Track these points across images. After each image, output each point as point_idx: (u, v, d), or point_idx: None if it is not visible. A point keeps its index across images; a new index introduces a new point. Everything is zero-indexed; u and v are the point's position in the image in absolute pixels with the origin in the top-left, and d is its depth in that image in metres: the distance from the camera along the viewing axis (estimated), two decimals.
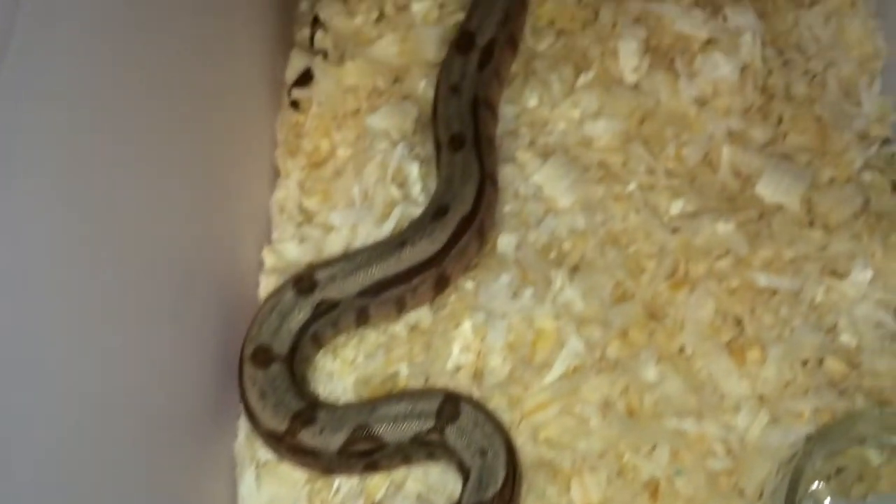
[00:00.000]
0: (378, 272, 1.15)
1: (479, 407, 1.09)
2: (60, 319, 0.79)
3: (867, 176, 1.29)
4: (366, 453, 1.07)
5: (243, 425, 1.17)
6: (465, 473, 1.05)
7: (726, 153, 1.29)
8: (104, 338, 0.88)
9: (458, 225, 1.17)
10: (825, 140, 1.30)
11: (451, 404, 1.07)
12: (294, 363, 1.12)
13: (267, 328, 1.12)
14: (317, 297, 1.14)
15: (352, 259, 1.17)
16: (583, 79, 1.36)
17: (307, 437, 1.06)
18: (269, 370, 1.10)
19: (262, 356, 1.10)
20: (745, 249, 1.20)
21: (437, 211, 1.18)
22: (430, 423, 1.06)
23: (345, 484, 1.12)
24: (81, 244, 0.83)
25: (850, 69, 1.38)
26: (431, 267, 1.16)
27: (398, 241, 1.17)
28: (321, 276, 1.15)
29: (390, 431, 1.06)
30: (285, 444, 1.08)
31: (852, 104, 1.36)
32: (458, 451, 1.05)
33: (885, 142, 1.34)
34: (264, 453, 1.15)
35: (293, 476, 1.13)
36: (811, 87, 1.35)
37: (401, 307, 1.18)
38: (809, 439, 1.07)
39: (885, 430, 1.05)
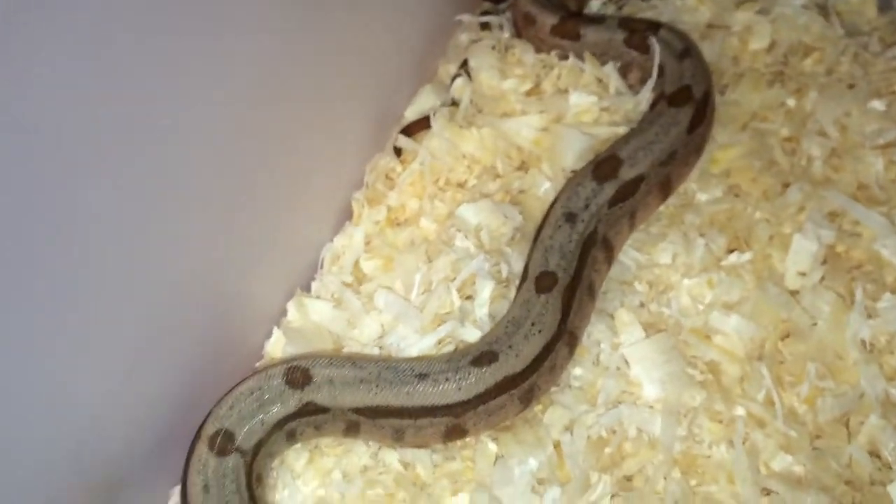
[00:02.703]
0: (382, 397, 1.01)
1: None
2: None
3: None
4: None
5: (177, 494, 1.06)
6: None
7: (871, 426, 1.06)
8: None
9: (499, 382, 1.01)
10: None
11: None
12: (255, 460, 1.00)
13: (238, 412, 1.00)
14: (306, 395, 1.01)
15: (359, 368, 1.03)
16: (735, 258, 1.16)
17: None
18: (224, 461, 0.98)
19: (222, 442, 0.99)
20: None
21: (481, 356, 1.02)
22: None
23: None
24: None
25: None
26: (447, 415, 1.01)
27: (420, 370, 1.02)
28: (318, 373, 1.02)
29: None
30: None
31: None
32: None
33: None
34: None
35: None
36: None
37: (399, 438, 1.04)
38: None
39: None
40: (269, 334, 1.16)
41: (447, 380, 1.01)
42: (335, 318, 1.17)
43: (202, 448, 0.99)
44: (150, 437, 1.01)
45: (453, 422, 1.02)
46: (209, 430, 1.00)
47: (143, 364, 0.97)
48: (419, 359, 1.07)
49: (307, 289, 1.21)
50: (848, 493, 1.04)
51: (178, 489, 1.06)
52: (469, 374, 1.01)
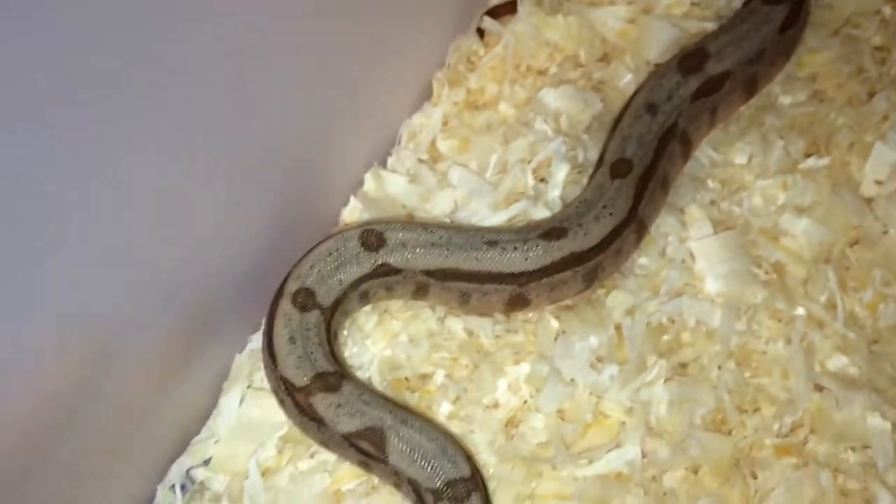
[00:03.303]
0: (452, 260, 1.05)
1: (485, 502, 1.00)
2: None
3: None
4: (367, 454, 1.01)
5: (253, 342, 1.13)
6: None
7: None
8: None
9: (565, 257, 1.05)
10: None
11: (469, 485, 0.98)
12: (333, 317, 1.06)
13: (318, 271, 1.06)
14: (380, 257, 1.06)
15: (431, 232, 1.08)
16: (812, 162, 1.17)
17: (322, 403, 1.00)
18: (307, 316, 1.04)
19: (304, 298, 1.05)
20: (889, 458, 1.02)
21: (550, 231, 1.06)
22: (438, 483, 0.98)
23: (321, 454, 1.07)
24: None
25: None
26: (511, 283, 1.06)
27: (490, 238, 1.07)
28: (392, 237, 1.07)
29: (401, 459, 0.99)
30: (295, 399, 1.02)
31: None
32: None
33: None
34: (261, 378, 1.11)
35: (276, 415, 1.09)
36: None
37: (464, 302, 1.09)
38: None
39: None
40: (345, 202, 1.22)
41: (515, 249, 1.05)
42: (409, 192, 1.22)
43: (286, 303, 1.05)
44: (231, 287, 1.08)
45: (517, 291, 1.06)
46: (292, 287, 1.06)
47: (231, 218, 1.03)
48: (490, 228, 1.12)
49: (383, 164, 1.26)
50: None
51: (254, 337, 1.14)
52: (537, 245, 1.05)
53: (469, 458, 1.02)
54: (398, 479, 1.01)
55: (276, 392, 1.05)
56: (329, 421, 1.00)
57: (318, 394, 1.00)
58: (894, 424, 1.04)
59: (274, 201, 1.10)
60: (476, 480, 0.99)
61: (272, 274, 1.11)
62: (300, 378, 1.01)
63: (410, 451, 0.99)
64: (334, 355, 1.05)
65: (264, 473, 1.07)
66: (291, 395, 1.02)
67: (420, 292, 1.10)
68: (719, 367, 1.09)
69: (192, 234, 0.98)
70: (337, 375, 1.02)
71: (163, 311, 0.98)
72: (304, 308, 1.05)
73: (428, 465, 0.99)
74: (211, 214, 1.00)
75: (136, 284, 0.91)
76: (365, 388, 1.04)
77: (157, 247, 0.92)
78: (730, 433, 1.06)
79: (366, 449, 1.00)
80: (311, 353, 1.02)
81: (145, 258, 0.91)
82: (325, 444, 1.03)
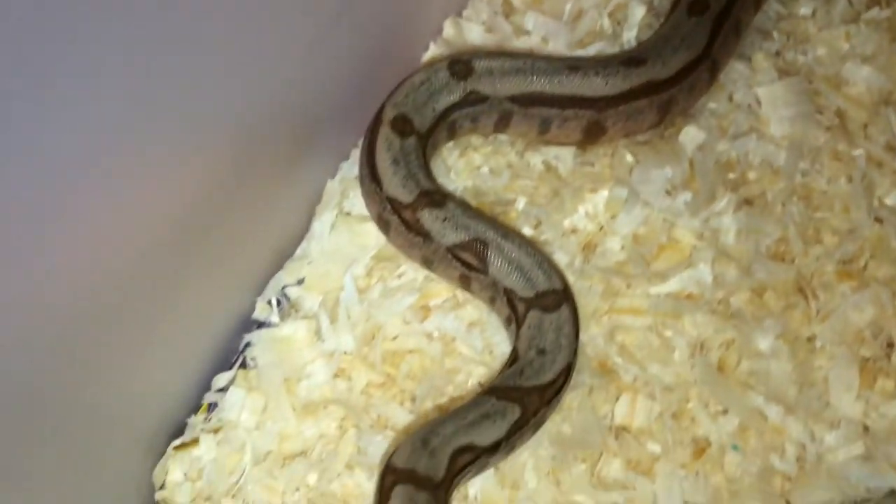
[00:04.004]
0: (536, 84, 1.12)
1: (574, 313, 1.06)
2: None
3: None
4: (468, 266, 1.08)
5: (343, 169, 1.20)
6: (512, 358, 1.05)
7: None
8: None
9: (643, 85, 1.12)
10: None
11: (560, 296, 1.05)
12: (428, 144, 1.13)
13: (413, 100, 1.12)
14: (469, 85, 1.13)
15: (515, 59, 1.14)
16: (874, 13, 1.24)
17: (429, 217, 1.07)
18: (406, 141, 1.10)
19: (402, 125, 1.11)
20: None
21: (629, 59, 1.13)
22: (532, 293, 1.05)
23: (409, 273, 1.14)
24: None
25: None
26: (590, 108, 1.12)
27: (571, 63, 1.13)
28: (479, 65, 1.14)
29: (500, 270, 1.06)
30: (401, 216, 1.08)
31: None
32: (522, 340, 1.04)
33: None
34: (350, 204, 1.17)
35: (365, 239, 1.15)
36: None
37: (544, 130, 1.16)
38: (893, 494, 1.01)
39: None
40: (425, 48, 1.28)
41: (596, 74, 1.12)
42: (486, 40, 1.27)
43: (386, 129, 1.11)
44: (323, 116, 1.13)
45: (595, 117, 1.13)
46: (389, 114, 1.12)
47: (318, 57, 1.07)
48: (571, 56, 1.19)
49: (459, 16, 1.31)
50: None
51: (344, 165, 1.20)
52: (617, 71, 1.12)
53: (562, 275, 1.09)
54: (494, 292, 1.08)
55: (380, 215, 1.11)
56: (435, 234, 1.07)
57: (424, 209, 1.07)
58: None
59: (356, 44, 1.15)
60: (567, 294, 1.07)
61: (360, 108, 1.17)
62: (407, 195, 1.07)
63: (509, 264, 1.06)
64: (432, 177, 1.12)
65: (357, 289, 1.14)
66: (398, 213, 1.08)
67: (502, 122, 1.16)
68: (783, 204, 1.16)
69: (283, 70, 1.02)
70: (439, 193, 1.09)
71: (266, 134, 1.04)
72: (402, 134, 1.11)
73: (524, 276, 1.06)
74: (300, 53, 1.05)
75: (250, 103, 0.97)
76: (467, 205, 1.11)
77: (260, 75, 0.97)
78: (793, 261, 1.14)
79: (468, 260, 1.07)
80: (415, 173, 1.09)
81: (252, 85, 0.96)
82: (429, 259, 1.10)
